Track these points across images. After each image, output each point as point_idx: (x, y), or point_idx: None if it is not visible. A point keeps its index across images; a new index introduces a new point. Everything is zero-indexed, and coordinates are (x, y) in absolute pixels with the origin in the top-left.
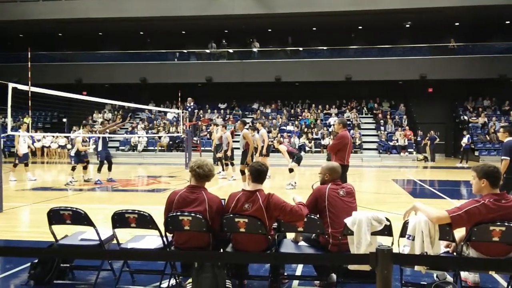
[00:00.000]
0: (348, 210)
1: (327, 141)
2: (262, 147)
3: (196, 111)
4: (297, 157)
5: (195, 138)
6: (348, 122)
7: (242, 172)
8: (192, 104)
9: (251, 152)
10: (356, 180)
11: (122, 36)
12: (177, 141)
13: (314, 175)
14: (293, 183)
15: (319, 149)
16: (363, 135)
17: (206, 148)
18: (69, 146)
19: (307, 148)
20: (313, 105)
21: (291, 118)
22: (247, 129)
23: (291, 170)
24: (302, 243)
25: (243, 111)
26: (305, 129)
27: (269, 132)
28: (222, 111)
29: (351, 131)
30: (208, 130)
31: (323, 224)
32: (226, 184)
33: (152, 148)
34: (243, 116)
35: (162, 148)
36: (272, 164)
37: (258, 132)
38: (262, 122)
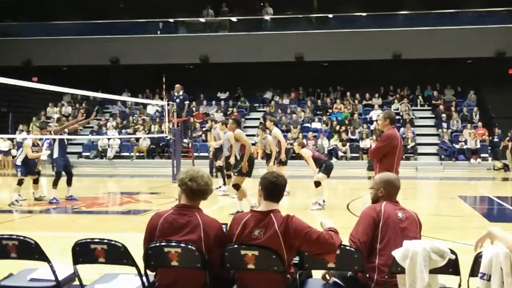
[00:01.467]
0: (406, 239)
1: (367, 143)
2: (278, 152)
3: (186, 103)
4: (326, 166)
5: (185, 140)
6: (397, 117)
7: (236, 187)
8: (181, 93)
9: (247, 157)
10: (409, 197)
11: (85, 0)
12: (161, 144)
13: (350, 190)
14: (321, 201)
15: (356, 155)
16: (417, 134)
17: (201, 154)
18: (14, 152)
19: (340, 154)
20: (348, 94)
21: (318, 112)
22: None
23: (317, 184)
24: (333, 279)
25: (251, 102)
26: (337, 127)
27: (286, 131)
28: (222, 102)
29: (401, 129)
30: (204, 129)
31: (366, 255)
32: (228, 203)
33: (127, 154)
34: (251, 109)
35: (141, 154)
36: (291, 176)
37: (270, 133)
38: (273, 120)
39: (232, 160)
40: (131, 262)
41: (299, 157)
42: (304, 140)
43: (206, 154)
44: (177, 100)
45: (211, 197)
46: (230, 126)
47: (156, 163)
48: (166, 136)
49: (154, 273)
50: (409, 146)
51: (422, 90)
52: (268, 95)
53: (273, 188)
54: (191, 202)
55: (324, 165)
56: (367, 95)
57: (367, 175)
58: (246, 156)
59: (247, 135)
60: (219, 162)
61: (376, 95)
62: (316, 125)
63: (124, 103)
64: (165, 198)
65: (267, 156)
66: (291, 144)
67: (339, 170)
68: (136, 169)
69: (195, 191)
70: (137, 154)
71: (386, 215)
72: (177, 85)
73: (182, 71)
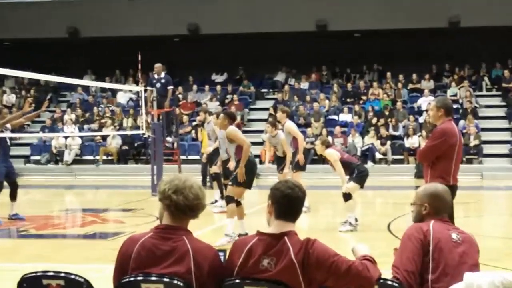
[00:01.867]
0: (466, 268)
1: (415, 141)
2: (293, 154)
3: (170, 88)
4: (359, 173)
5: (169, 139)
6: (455, 106)
7: (229, 199)
8: (163, 75)
9: (244, 161)
10: (471, 213)
11: None
12: (136, 145)
13: (393, 205)
14: (352, 220)
15: (400, 157)
16: (483, 129)
17: (191, 157)
18: None
19: (377, 155)
20: (388, 75)
21: (348, 100)
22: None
23: (347, 197)
24: None
25: (257, 87)
26: (374, 120)
27: (305, 126)
28: (218, 87)
29: (461, 123)
30: (194, 124)
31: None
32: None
33: (90, 157)
34: (257, 96)
35: (110, 158)
36: (311, 186)
37: (282, 129)
38: (287, 111)
39: (231, 165)
40: None
41: (322, 160)
42: (330, 138)
43: (197, 157)
44: (158, 85)
45: (204, 215)
46: (220, 122)
47: (129, 169)
48: (143, 134)
49: None
50: (471, 145)
51: (488, 69)
52: (280, 77)
53: (288, 203)
54: (176, 222)
55: (356, 171)
56: (414, 77)
57: (415, 183)
58: (243, 160)
59: (252, 132)
60: (215, 168)
61: (427, 76)
62: (345, 117)
63: (86, 89)
64: (142, 216)
65: (278, 160)
66: (312, 143)
67: (376, 177)
68: (103, 178)
69: (182, 207)
70: (104, 157)
71: (437, 237)
72: (158, 65)
73: (164, 45)
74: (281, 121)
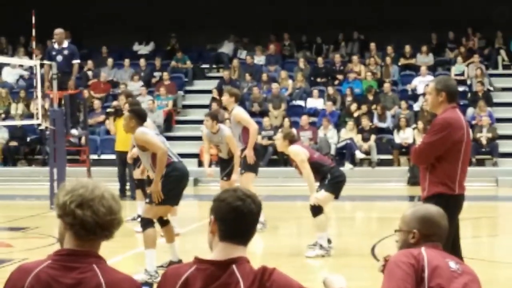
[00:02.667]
0: None
1: (409, 135)
2: (242, 151)
3: (76, 62)
4: (333, 178)
5: (74, 132)
6: (462, 88)
7: (145, 223)
8: (66, 44)
9: (160, 173)
10: (482, 232)
11: None
12: (29, 140)
13: (378, 222)
14: (323, 242)
15: (388, 157)
16: (499, 120)
17: (104, 157)
18: None
19: (358, 154)
20: (373, 46)
21: (318, 80)
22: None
23: (317, 211)
24: None
25: (195, 61)
26: (354, 107)
27: (261, 114)
28: (142, 61)
29: (469, 111)
30: (108, 110)
31: None
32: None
33: None
34: (195, 74)
35: None
36: (269, 196)
37: (229, 119)
38: (236, 93)
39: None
40: None
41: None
42: (294, 130)
43: (112, 156)
44: (59, 58)
45: (122, 235)
46: (125, 123)
47: (19, 173)
48: (39, 125)
49: None
50: (483, 141)
51: (506, 39)
52: (226, 48)
53: (237, 219)
54: (84, 246)
55: (329, 176)
56: (408, 49)
57: (408, 192)
58: (158, 173)
59: (189, 123)
60: (138, 172)
61: (424, 48)
62: (315, 102)
63: None
64: (37, 237)
65: (222, 164)
66: (270, 137)
67: (357, 184)
68: None
69: (91, 226)
70: None
71: (433, 263)
72: (59, 31)
73: (68, 4)
74: (227, 107)
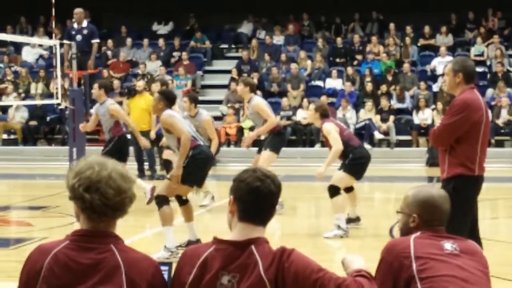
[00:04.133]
0: (472, 282)
1: (428, 116)
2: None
3: (95, 42)
4: (355, 159)
5: (92, 111)
6: (481, 69)
7: (160, 200)
8: (85, 24)
9: (183, 158)
10: (500, 213)
11: None
12: (49, 119)
13: (396, 202)
14: (341, 223)
15: (407, 137)
16: None
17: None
18: None
19: (377, 135)
20: (392, 26)
21: (336, 60)
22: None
23: (334, 191)
24: None
25: (214, 41)
26: (372, 87)
27: (279, 94)
28: (161, 41)
29: (489, 92)
30: (127, 90)
31: None
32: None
33: None
34: (214, 54)
35: (12, 137)
36: (286, 176)
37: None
38: (250, 82)
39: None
40: None
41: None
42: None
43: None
44: (78, 37)
45: (142, 213)
46: (155, 103)
47: (39, 152)
48: (58, 104)
49: None
50: (502, 122)
51: None
52: (245, 28)
53: (256, 200)
54: (98, 227)
55: (351, 155)
56: (427, 30)
57: (427, 173)
58: (181, 157)
59: (208, 103)
60: (167, 152)
61: (444, 29)
62: (333, 83)
63: None
64: (57, 216)
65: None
66: (289, 118)
67: (375, 165)
68: (3, 163)
69: (101, 208)
70: (5, 136)
71: (420, 253)
72: (78, 10)
73: None
74: (243, 96)
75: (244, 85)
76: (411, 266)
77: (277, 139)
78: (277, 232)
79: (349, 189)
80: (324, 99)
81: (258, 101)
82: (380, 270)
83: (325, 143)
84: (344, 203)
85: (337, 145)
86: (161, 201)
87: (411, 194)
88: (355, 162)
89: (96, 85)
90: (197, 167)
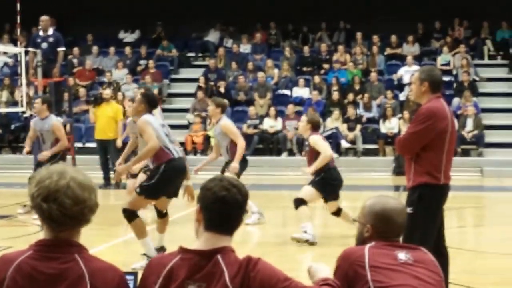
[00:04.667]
0: None
1: (394, 125)
2: (227, 163)
3: (61, 50)
4: (326, 177)
5: (59, 119)
6: (447, 78)
7: (127, 214)
8: (51, 32)
9: (136, 161)
10: (467, 222)
11: None
12: (13, 128)
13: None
14: (308, 229)
15: (373, 146)
16: (484, 110)
17: (88, 145)
18: None
19: (344, 144)
20: (359, 35)
21: (303, 68)
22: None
23: (298, 203)
24: None
25: (181, 49)
26: (338, 97)
27: (247, 103)
28: (128, 49)
29: (455, 101)
30: (93, 99)
31: None
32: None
33: None
34: (180, 63)
35: None
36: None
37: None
38: (222, 103)
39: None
40: None
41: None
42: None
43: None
44: (44, 45)
45: (106, 222)
46: (136, 105)
47: (4, 161)
48: (23, 112)
49: None
50: (468, 132)
51: (492, 29)
52: (212, 36)
53: (222, 209)
54: (60, 236)
55: (323, 174)
56: (394, 39)
57: (393, 182)
58: (137, 159)
59: (173, 111)
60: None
61: (410, 38)
62: (300, 91)
63: None
64: (22, 225)
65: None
66: (256, 126)
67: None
68: None
69: (59, 218)
70: None
71: (373, 263)
72: (45, 17)
73: None
74: (213, 117)
75: (216, 106)
76: (366, 276)
77: (242, 165)
78: (243, 240)
79: (337, 213)
80: (291, 107)
81: (228, 122)
82: (336, 278)
83: (309, 155)
84: (309, 213)
85: (326, 152)
86: (130, 215)
87: (368, 204)
88: (326, 182)
89: (39, 100)
90: (167, 181)
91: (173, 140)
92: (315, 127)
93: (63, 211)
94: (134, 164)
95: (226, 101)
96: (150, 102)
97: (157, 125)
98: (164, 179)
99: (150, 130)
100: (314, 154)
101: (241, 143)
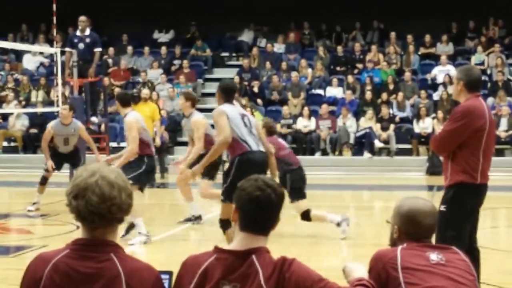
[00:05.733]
0: None
1: (428, 125)
2: (202, 155)
3: (98, 50)
4: (292, 181)
5: (94, 119)
6: (483, 78)
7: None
8: (88, 32)
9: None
10: (501, 223)
11: None
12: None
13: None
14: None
15: (407, 146)
16: None
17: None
18: None
19: (377, 144)
20: (393, 35)
21: (337, 68)
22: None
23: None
24: None
25: (215, 49)
26: (372, 96)
27: (280, 102)
28: (163, 49)
29: (490, 100)
30: (133, 95)
31: None
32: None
33: None
34: (214, 62)
35: (13, 145)
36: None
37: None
38: (191, 96)
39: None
40: None
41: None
42: (272, 123)
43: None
44: (81, 45)
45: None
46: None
47: (40, 160)
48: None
49: None
50: (503, 131)
51: None
52: (246, 36)
53: (256, 210)
54: (94, 235)
55: (288, 176)
56: (428, 38)
57: (427, 182)
58: (210, 157)
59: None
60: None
61: (444, 37)
62: (334, 91)
63: None
64: (57, 224)
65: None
66: (289, 126)
67: (375, 173)
68: (3, 171)
69: (86, 215)
70: (5, 144)
71: (406, 264)
72: (83, 18)
73: None
74: (184, 111)
75: (185, 99)
76: (398, 278)
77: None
78: (279, 239)
79: (306, 217)
80: (324, 107)
81: (199, 119)
82: (370, 279)
83: None
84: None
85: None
86: (224, 224)
87: (397, 205)
88: (295, 185)
89: (66, 107)
90: (245, 174)
91: (255, 132)
92: (271, 132)
93: (90, 208)
94: (207, 162)
95: (195, 94)
96: (226, 92)
97: (235, 114)
98: (239, 174)
99: (223, 122)
100: None
101: (199, 146)
